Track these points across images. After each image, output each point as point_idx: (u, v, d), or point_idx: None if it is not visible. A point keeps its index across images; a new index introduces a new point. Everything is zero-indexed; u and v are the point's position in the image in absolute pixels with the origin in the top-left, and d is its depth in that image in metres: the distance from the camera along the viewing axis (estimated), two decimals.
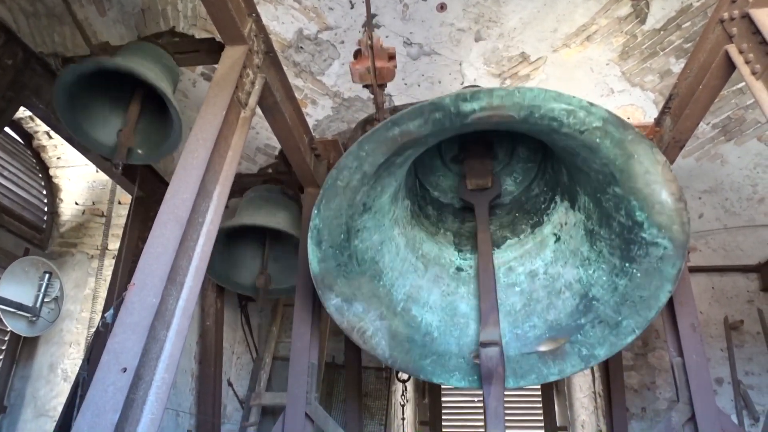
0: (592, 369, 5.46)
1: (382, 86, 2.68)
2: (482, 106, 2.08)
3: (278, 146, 4.43)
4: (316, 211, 2.42)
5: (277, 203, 4.51)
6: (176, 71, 3.39)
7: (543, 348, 2.70)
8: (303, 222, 3.47)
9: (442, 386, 5.62)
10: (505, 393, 5.86)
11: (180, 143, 3.27)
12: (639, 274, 2.46)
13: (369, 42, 2.33)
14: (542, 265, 2.88)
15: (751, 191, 5.05)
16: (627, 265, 2.49)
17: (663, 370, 5.51)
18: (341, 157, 2.33)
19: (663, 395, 5.44)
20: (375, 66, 2.46)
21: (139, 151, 3.36)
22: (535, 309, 2.81)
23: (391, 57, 2.50)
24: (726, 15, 2.25)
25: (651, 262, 2.40)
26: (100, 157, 3.96)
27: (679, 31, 4.04)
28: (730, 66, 2.30)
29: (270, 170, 4.84)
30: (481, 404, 2.46)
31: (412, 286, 2.87)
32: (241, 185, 4.60)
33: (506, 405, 5.80)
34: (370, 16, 2.45)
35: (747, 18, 2.14)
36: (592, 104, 2.10)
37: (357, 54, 2.53)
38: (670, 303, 2.84)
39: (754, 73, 2.10)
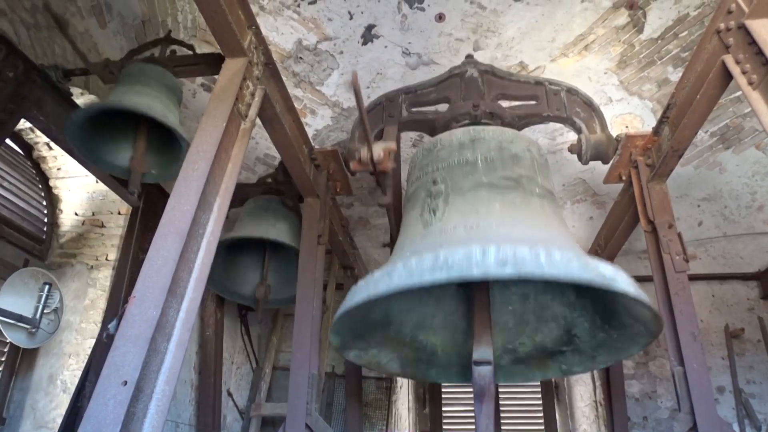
0: (593, 378, 5.45)
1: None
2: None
3: (278, 156, 4.45)
4: (335, 328, 2.42)
5: (276, 214, 4.52)
6: (179, 89, 3.47)
7: (530, 362, 2.89)
8: (303, 231, 3.48)
9: (443, 396, 5.61)
10: (507, 403, 5.86)
11: None
12: (615, 336, 2.54)
13: (369, 155, 2.36)
14: (533, 291, 2.93)
15: (750, 199, 5.06)
16: (606, 326, 2.57)
17: (664, 379, 5.50)
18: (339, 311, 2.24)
19: (664, 404, 5.43)
20: (376, 172, 2.55)
21: (153, 171, 3.52)
22: (524, 330, 2.90)
23: (394, 154, 2.53)
24: (722, 26, 2.27)
25: (627, 334, 2.47)
26: (104, 171, 3.97)
27: (677, 40, 4.07)
28: (727, 76, 2.32)
29: (269, 179, 4.85)
30: None
31: (419, 314, 2.95)
32: (241, 195, 4.61)
33: (507, 414, 5.80)
34: (369, 133, 2.46)
35: (743, 29, 2.16)
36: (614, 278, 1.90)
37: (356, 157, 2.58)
38: (671, 312, 2.86)
39: (750, 83, 2.12)
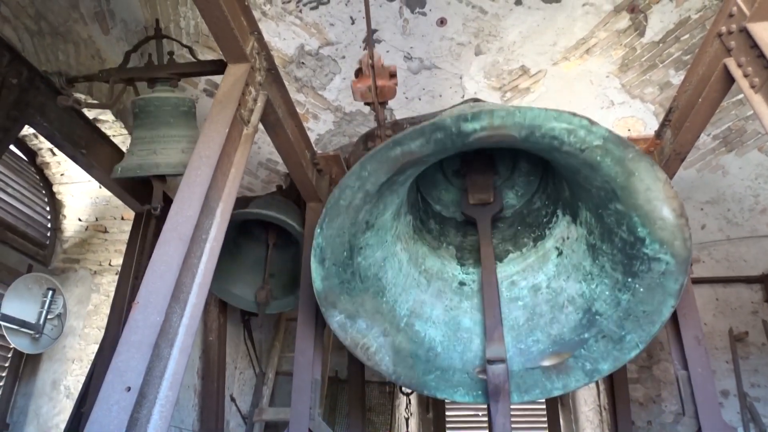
0: (596, 382, 5.43)
1: (384, 104, 2.70)
2: (483, 126, 2.10)
3: (280, 160, 4.45)
4: (318, 230, 2.43)
5: (280, 204, 4.53)
6: (193, 107, 3.57)
7: (547, 363, 2.70)
8: (306, 237, 3.48)
9: (446, 401, 5.59)
10: (510, 407, 5.82)
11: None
12: (642, 289, 2.46)
13: (370, 61, 2.35)
14: (545, 279, 2.88)
15: (753, 202, 5.05)
16: (629, 280, 2.49)
17: (668, 383, 5.47)
18: (343, 177, 2.34)
19: (669, 408, 5.40)
20: (376, 85, 2.48)
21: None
22: (538, 323, 2.81)
23: (392, 75, 2.52)
24: (724, 29, 2.27)
25: (653, 278, 2.40)
26: (103, 174, 3.99)
27: (678, 43, 4.07)
28: (729, 79, 2.31)
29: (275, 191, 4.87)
30: (485, 419, 2.50)
31: (415, 301, 2.87)
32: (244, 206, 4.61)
33: (511, 419, 5.76)
34: (371, 34, 2.48)
35: (745, 32, 2.15)
36: (592, 123, 2.12)
37: (358, 72, 2.55)
38: (674, 315, 2.84)
39: (752, 86, 2.11)
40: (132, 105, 3.49)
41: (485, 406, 2.41)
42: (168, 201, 4.63)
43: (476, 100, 3.54)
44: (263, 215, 4.24)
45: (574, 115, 2.09)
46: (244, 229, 4.70)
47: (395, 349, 2.75)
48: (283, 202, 4.60)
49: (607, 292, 2.60)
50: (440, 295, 2.95)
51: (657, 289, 2.42)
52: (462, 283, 3.04)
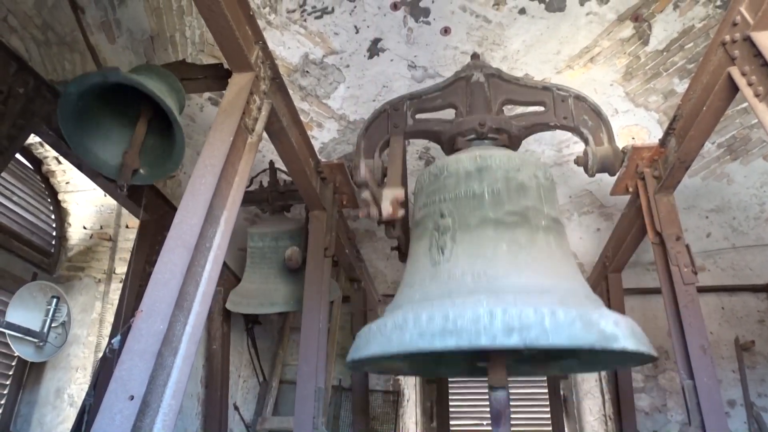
0: (602, 392, 5.40)
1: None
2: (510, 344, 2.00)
3: (284, 168, 4.47)
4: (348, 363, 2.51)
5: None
6: (183, 94, 3.39)
7: (533, 361, 2.94)
8: (310, 244, 3.48)
9: (451, 409, 5.57)
10: (516, 416, 5.80)
11: (181, 162, 3.25)
12: (613, 355, 2.55)
13: (378, 213, 2.33)
14: None
15: (759, 210, 5.03)
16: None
17: (674, 392, 5.43)
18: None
19: (675, 418, 5.36)
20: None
21: (142, 171, 3.29)
22: None
23: (402, 204, 2.49)
24: (728, 38, 2.27)
25: (625, 356, 2.43)
26: (108, 182, 3.99)
27: (682, 52, 4.07)
28: (733, 88, 2.32)
29: (263, 184, 4.80)
30: (489, 427, 2.56)
31: None
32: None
33: (516, 429, 5.74)
34: (377, 197, 2.35)
35: (748, 41, 2.16)
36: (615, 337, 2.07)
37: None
38: (680, 324, 2.83)
39: (757, 95, 2.12)
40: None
41: (486, 398, 2.49)
42: (170, 208, 4.68)
43: (476, 53, 3.52)
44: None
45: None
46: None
47: (411, 363, 2.96)
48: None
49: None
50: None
51: (630, 359, 2.52)
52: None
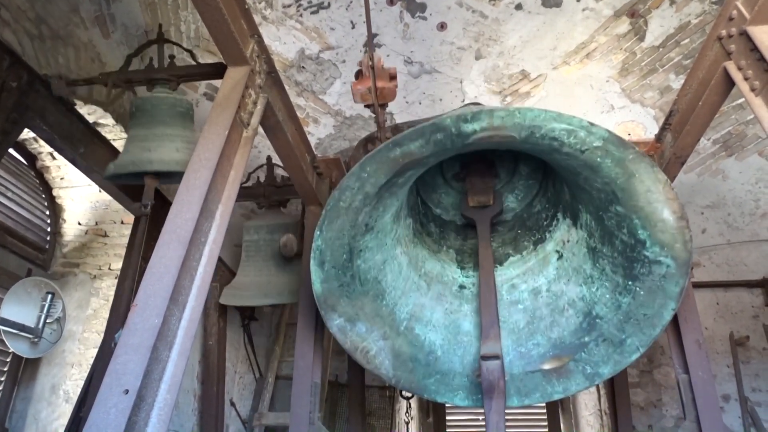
0: (597, 386, 5.41)
1: (384, 106, 2.69)
2: (483, 126, 2.10)
3: (280, 164, 4.45)
4: (318, 232, 2.43)
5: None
6: (191, 110, 3.55)
7: (547, 366, 2.69)
8: (306, 240, 3.47)
9: (447, 405, 5.58)
10: (511, 411, 5.83)
11: None
12: (642, 292, 2.46)
13: (370, 62, 2.34)
14: (545, 282, 2.88)
15: (754, 206, 5.05)
16: (630, 283, 2.48)
17: (669, 387, 5.45)
18: (343, 178, 2.33)
19: (670, 412, 5.38)
20: (376, 86, 2.48)
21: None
22: (538, 327, 2.80)
23: (392, 77, 2.51)
24: (724, 32, 2.27)
25: (654, 281, 2.39)
26: (103, 178, 3.98)
27: (678, 47, 4.07)
28: (729, 82, 2.31)
29: (260, 180, 4.78)
30: (485, 424, 2.46)
31: (415, 305, 2.86)
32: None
33: (511, 424, 5.77)
34: (371, 37, 2.47)
35: (745, 35, 2.15)
36: (592, 124, 2.12)
37: (358, 74, 2.54)
38: (675, 319, 2.83)
39: (753, 89, 2.11)
40: (130, 106, 3.48)
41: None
42: (165, 202, 4.66)
43: (476, 104, 3.54)
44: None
45: (574, 116, 2.10)
46: None
47: (395, 353, 2.74)
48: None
49: (607, 296, 2.59)
50: (440, 299, 2.94)
51: (658, 292, 2.41)
52: (462, 287, 3.03)
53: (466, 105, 3.16)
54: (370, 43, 2.57)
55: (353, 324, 2.66)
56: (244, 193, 4.61)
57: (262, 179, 4.71)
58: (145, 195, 3.40)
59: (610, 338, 2.59)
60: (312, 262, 2.46)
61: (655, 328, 2.47)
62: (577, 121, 2.10)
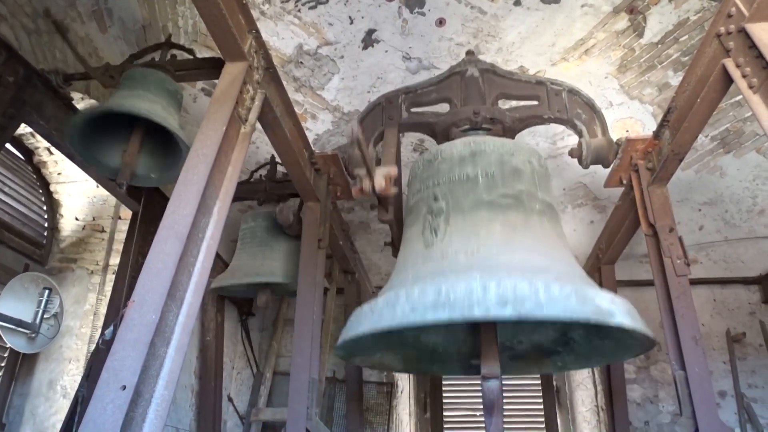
0: (594, 383, 5.43)
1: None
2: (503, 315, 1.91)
3: (278, 160, 4.45)
4: (339, 348, 2.45)
5: (278, 239, 4.43)
6: (180, 94, 3.43)
7: (528, 358, 2.93)
8: (303, 236, 3.47)
9: (444, 401, 5.59)
10: (509, 407, 5.83)
11: None
12: (610, 344, 2.55)
13: (371, 185, 2.31)
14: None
15: (751, 203, 5.06)
16: (601, 335, 2.57)
17: (666, 383, 5.47)
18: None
19: (666, 408, 5.40)
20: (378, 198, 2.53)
21: (153, 175, 3.48)
22: (523, 330, 2.92)
23: (395, 180, 2.46)
24: (723, 29, 2.27)
25: (621, 345, 2.48)
26: (101, 174, 3.97)
27: (677, 44, 4.07)
28: (728, 80, 2.32)
29: (263, 177, 4.77)
30: (482, 418, 2.54)
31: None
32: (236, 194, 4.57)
33: (509, 420, 5.78)
34: (369, 162, 2.35)
35: (743, 32, 2.15)
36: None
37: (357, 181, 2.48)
38: (672, 316, 2.84)
39: (751, 86, 2.12)
40: (120, 78, 3.32)
41: (479, 387, 2.48)
42: (164, 199, 4.65)
43: (470, 51, 3.51)
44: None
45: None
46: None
47: (405, 359, 2.92)
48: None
49: (581, 332, 2.70)
50: (447, 328, 3.00)
51: (625, 349, 2.50)
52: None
53: (463, 130, 3.10)
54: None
55: (370, 356, 2.80)
56: (244, 189, 4.61)
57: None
58: (121, 175, 3.21)
59: (580, 354, 2.76)
60: (336, 348, 2.48)
61: (619, 359, 2.83)
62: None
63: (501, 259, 2.28)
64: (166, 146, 3.39)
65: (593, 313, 1.89)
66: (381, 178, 2.28)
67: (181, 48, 3.54)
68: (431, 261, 2.41)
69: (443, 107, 3.31)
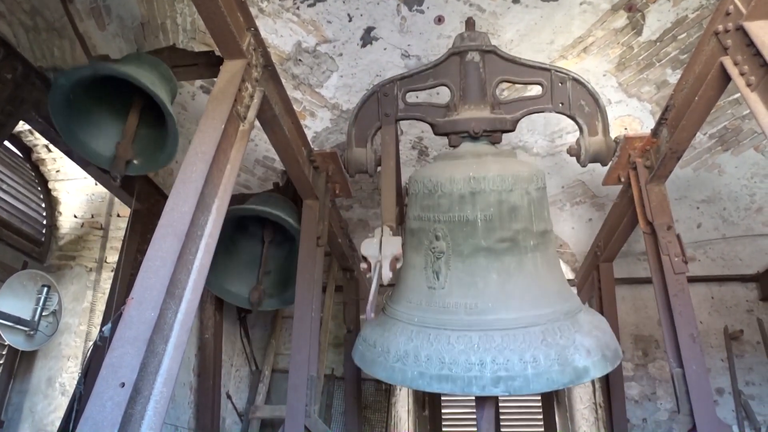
0: (592, 380, 5.43)
1: None
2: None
3: (277, 158, 4.45)
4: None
5: (276, 203, 4.55)
6: (174, 83, 3.40)
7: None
8: (302, 233, 3.48)
9: (443, 399, 5.60)
10: (507, 405, 5.84)
11: (176, 154, 3.28)
12: None
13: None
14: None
15: (749, 201, 5.06)
16: None
17: (664, 381, 5.49)
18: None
19: (664, 406, 5.42)
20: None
21: (135, 162, 3.32)
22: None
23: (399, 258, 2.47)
24: (720, 27, 2.27)
25: None
26: (99, 171, 3.97)
27: (675, 42, 4.07)
28: (726, 77, 2.32)
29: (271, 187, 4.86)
30: None
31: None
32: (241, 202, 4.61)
33: (507, 417, 5.78)
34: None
35: (741, 30, 2.16)
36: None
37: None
38: (670, 313, 2.85)
39: (749, 84, 2.12)
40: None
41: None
42: (163, 197, 4.66)
43: (470, 19, 3.45)
44: (260, 211, 4.27)
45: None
46: (240, 226, 4.72)
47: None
48: (280, 199, 4.62)
49: None
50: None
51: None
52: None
53: (463, 163, 3.10)
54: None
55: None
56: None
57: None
58: (114, 167, 3.14)
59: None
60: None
61: None
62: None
63: (496, 316, 2.66)
64: (155, 131, 3.28)
65: (571, 379, 2.44)
66: (388, 269, 2.29)
67: (184, 51, 3.54)
68: (434, 309, 2.77)
69: (443, 95, 3.26)
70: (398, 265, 2.33)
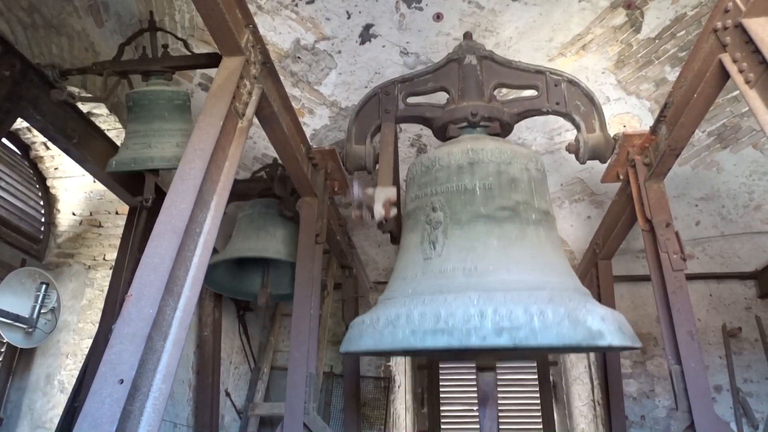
0: (590, 377, 5.45)
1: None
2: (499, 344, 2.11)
3: (275, 155, 4.44)
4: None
5: (275, 223, 4.52)
6: (188, 103, 3.64)
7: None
8: (301, 231, 3.48)
9: (441, 395, 5.62)
10: (505, 402, 5.85)
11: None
12: None
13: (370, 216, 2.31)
14: None
15: (748, 198, 5.07)
16: None
17: (662, 378, 5.50)
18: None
19: (662, 403, 5.43)
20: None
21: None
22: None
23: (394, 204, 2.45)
24: (719, 24, 2.27)
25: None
26: (97, 168, 3.98)
27: (674, 39, 4.07)
28: (724, 75, 2.32)
29: (263, 174, 4.76)
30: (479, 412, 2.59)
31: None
32: (233, 191, 4.57)
33: (505, 415, 5.79)
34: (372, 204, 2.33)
35: (740, 27, 2.15)
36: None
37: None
38: (668, 311, 2.85)
39: (747, 81, 2.12)
40: (126, 98, 3.49)
41: (473, 374, 2.58)
42: (161, 194, 4.64)
43: (468, 32, 3.47)
44: (256, 256, 4.42)
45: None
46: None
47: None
48: (279, 220, 4.55)
49: None
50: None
51: None
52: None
53: (462, 141, 3.07)
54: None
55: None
56: (244, 187, 4.62)
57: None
58: (147, 190, 3.51)
59: None
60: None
61: None
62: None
63: (497, 278, 2.38)
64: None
65: (584, 338, 2.08)
66: (380, 206, 2.27)
67: (167, 32, 3.56)
68: (430, 276, 2.49)
69: (441, 96, 3.28)
70: (392, 212, 2.28)
